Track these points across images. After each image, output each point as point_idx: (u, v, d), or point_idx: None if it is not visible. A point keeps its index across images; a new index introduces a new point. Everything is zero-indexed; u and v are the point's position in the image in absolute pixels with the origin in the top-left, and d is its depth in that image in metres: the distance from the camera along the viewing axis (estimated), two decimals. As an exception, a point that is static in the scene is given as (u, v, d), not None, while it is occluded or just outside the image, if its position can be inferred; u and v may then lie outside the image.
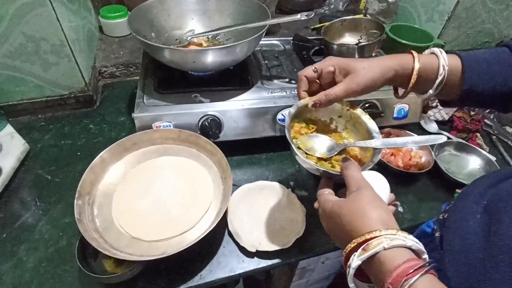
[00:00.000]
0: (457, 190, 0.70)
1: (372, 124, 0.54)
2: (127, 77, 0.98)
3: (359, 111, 0.56)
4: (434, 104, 0.92)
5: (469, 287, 0.35)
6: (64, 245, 0.58)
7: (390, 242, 0.33)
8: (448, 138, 0.86)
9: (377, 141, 0.51)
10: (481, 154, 0.79)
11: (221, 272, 0.56)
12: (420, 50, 0.99)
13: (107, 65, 0.94)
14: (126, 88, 0.94)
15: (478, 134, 0.88)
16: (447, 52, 0.49)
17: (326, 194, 0.45)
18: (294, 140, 0.52)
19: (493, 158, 0.78)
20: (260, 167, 0.75)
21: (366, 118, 0.55)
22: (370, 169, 0.47)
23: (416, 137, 0.49)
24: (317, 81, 0.53)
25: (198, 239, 0.51)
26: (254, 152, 0.78)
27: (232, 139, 0.72)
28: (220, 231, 0.61)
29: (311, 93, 0.53)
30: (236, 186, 0.67)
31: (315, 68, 0.51)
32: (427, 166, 0.74)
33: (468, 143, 0.82)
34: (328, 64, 0.50)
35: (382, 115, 0.75)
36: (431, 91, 0.49)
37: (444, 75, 0.48)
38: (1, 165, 0.65)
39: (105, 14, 1.01)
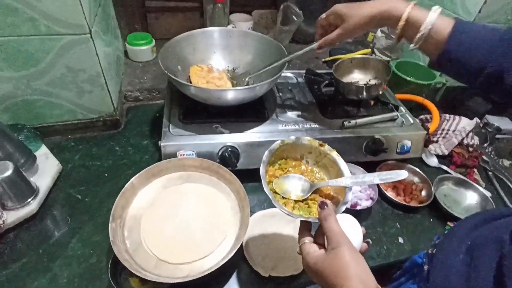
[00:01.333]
0: (448, 223, 0.76)
1: (341, 161, 0.56)
2: (150, 101, 1.05)
3: (327, 147, 0.58)
4: (435, 139, 0.99)
5: None
6: (94, 262, 0.64)
7: None
8: (448, 172, 0.92)
9: (347, 180, 0.53)
10: (477, 190, 0.85)
11: (236, 293, 0.62)
12: (423, 87, 1.07)
13: (132, 90, 1.01)
14: (149, 112, 1.01)
15: (475, 170, 0.94)
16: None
17: (308, 245, 0.46)
18: (269, 184, 0.55)
19: (489, 194, 0.84)
20: (272, 194, 0.81)
21: (334, 155, 0.57)
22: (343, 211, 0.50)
23: (382, 173, 0.53)
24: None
25: (218, 266, 0.56)
26: (268, 179, 0.84)
27: (248, 168, 0.78)
28: (236, 255, 0.66)
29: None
30: (251, 212, 0.73)
31: (321, 17, 0.68)
32: (426, 200, 0.80)
33: (465, 179, 0.88)
34: (329, 13, 0.66)
35: (386, 150, 0.82)
36: (411, 45, 0.55)
37: (424, 33, 0.53)
38: (39, 184, 0.71)
39: (131, 41, 1.09)
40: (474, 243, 0.46)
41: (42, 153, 0.79)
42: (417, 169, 0.86)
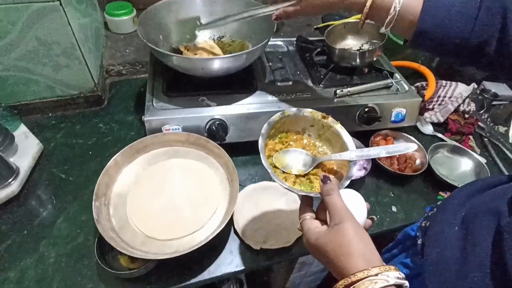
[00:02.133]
0: (440, 193, 0.75)
1: (345, 134, 0.54)
2: (134, 75, 1.00)
3: (331, 120, 0.55)
4: (430, 107, 0.96)
5: None
6: (81, 241, 0.63)
7: (374, 285, 0.35)
8: (443, 140, 0.90)
9: (352, 154, 0.50)
10: (472, 157, 0.84)
11: (227, 267, 0.61)
12: (419, 53, 1.02)
13: (114, 64, 0.96)
14: (133, 87, 0.96)
15: (471, 137, 0.92)
16: None
17: (309, 220, 0.44)
18: (269, 159, 0.53)
19: (484, 161, 0.83)
20: (264, 167, 0.78)
21: (338, 127, 0.54)
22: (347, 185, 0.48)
23: (389, 147, 0.50)
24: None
25: (208, 240, 0.55)
26: (258, 152, 0.81)
27: (237, 141, 0.76)
28: (227, 229, 0.65)
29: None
30: (241, 186, 0.72)
31: None
32: (421, 168, 0.78)
33: (460, 146, 0.86)
34: None
35: (380, 119, 0.79)
36: (382, 28, 0.52)
37: (394, 15, 0.49)
38: (19, 165, 0.68)
39: (110, 11, 1.02)
40: (469, 214, 0.44)
41: (21, 132, 0.75)
42: (412, 138, 0.84)
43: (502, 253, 0.35)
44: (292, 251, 0.64)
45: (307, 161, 0.53)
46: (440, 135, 0.92)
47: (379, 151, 0.50)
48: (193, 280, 0.59)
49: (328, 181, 0.43)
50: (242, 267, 0.62)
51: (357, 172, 0.75)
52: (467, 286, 0.37)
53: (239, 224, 0.65)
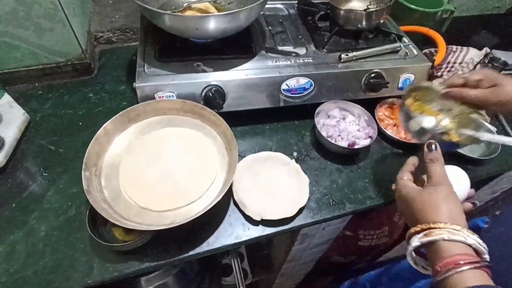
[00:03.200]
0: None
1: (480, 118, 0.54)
2: (125, 42, 0.94)
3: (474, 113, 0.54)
4: (439, 74, 0.91)
5: None
6: (73, 214, 0.60)
7: (451, 236, 0.35)
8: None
9: (484, 134, 0.52)
10: (482, 125, 0.80)
11: (227, 239, 0.59)
12: (429, 16, 0.96)
13: (103, 30, 0.90)
14: (124, 55, 0.91)
15: (481, 105, 0.88)
16: None
17: (405, 180, 0.47)
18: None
19: (494, 129, 0.79)
20: (264, 137, 0.75)
21: (477, 115, 0.54)
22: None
23: None
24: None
25: (205, 210, 0.52)
26: (258, 122, 0.77)
27: (236, 110, 0.71)
28: (226, 200, 0.63)
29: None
30: (240, 156, 0.68)
31: (462, 78, 0.53)
32: (429, 137, 0.74)
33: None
34: (477, 73, 0.52)
35: (387, 85, 0.74)
36: None
37: None
38: (3, 135, 0.64)
39: (97, -27, 0.94)
40: None
41: (5, 102, 0.70)
42: None
43: None
44: (293, 222, 0.61)
45: (436, 125, 0.55)
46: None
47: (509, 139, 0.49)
48: (191, 252, 0.57)
49: (433, 149, 0.45)
50: (242, 239, 0.59)
51: (362, 141, 0.71)
52: None
53: (238, 195, 0.62)
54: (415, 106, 0.58)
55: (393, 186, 0.50)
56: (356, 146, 0.69)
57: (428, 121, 0.56)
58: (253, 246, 1.12)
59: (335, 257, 1.11)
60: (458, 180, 0.47)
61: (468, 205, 0.46)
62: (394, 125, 0.78)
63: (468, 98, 0.52)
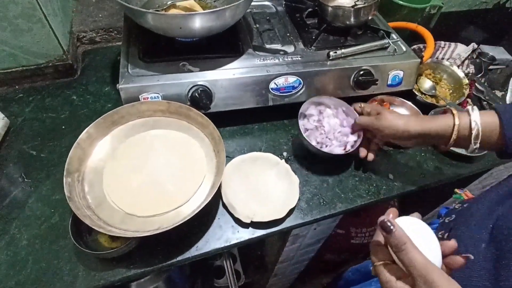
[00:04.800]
0: (456, 191, 0.68)
1: None
2: (109, 42, 0.91)
3: None
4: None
5: None
6: (57, 221, 0.58)
7: None
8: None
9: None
10: (471, 121, 0.80)
11: (217, 242, 0.58)
12: (417, 12, 0.96)
13: (85, 30, 0.87)
14: (109, 55, 0.88)
15: (469, 100, 0.88)
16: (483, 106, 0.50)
17: (386, 268, 0.36)
18: None
19: (483, 125, 0.79)
20: (253, 137, 0.74)
21: None
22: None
23: None
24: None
25: (193, 214, 0.51)
26: (247, 122, 0.76)
27: (223, 110, 0.70)
28: (214, 203, 0.61)
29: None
30: (229, 157, 0.67)
31: (360, 105, 0.68)
32: (418, 134, 0.74)
33: (460, 108, 0.82)
34: (368, 106, 0.67)
35: (377, 82, 0.74)
36: (473, 146, 0.50)
37: (478, 133, 0.48)
38: (-19, 141, 0.62)
39: (78, -30, 0.91)
40: (500, 227, 0.38)
41: (-17, 106, 0.68)
42: (409, 102, 0.79)
43: None
44: (284, 223, 0.60)
45: None
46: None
47: None
48: (179, 258, 0.55)
49: (392, 230, 0.34)
50: (232, 242, 0.58)
51: (351, 137, 0.69)
52: None
53: (227, 197, 0.61)
54: None
55: (372, 270, 0.39)
56: (348, 147, 0.67)
57: None
58: (246, 248, 1.10)
59: (328, 256, 1.11)
60: (426, 237, 0.36)
61: (459, 261, 0.35)
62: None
63: (361, 124, 0.64)
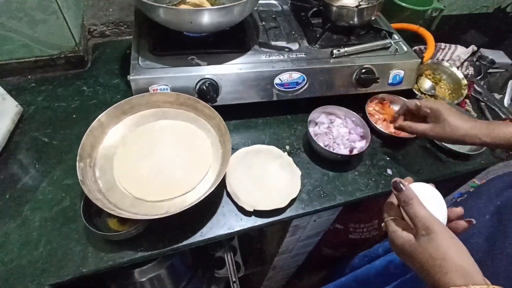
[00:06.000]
0: (474, 180, 0.72)
1: None
2: (118, 36, 0.94)
3: None
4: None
5: None
6: (67, 205, 0.60)
7: None
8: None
9: None
10: (469, 121, 0.82)
11: (220, 229, 0.60)
12: (419, 14, 0.99)
13: (96, 24, 0.90)
14: (118, 49, 0.91)
15: (467, 101, 0.90)
16: None
17: (394, 221, 0.41)
18: None
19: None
20: (257, 131, 0.76)
21: None
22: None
23: None
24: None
25: (199, 200, 0.53)
26: (251, 116, 0.78)
27: (229, 103, 0.72)
28: (219, 192, 0.64)
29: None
30: (233, 149, 0.69)
31: (417, 104, 0.62)
32: (417, 132, 0.77)
33: (457, 107, 0.84)
34: (428, 106, 0.60)
35: (378, 81, 0.76)
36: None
37: None
38: (-4, 127, 0.64)
39: (90, -34, 0.94)
40: (506, 204, 0.41)
41: (-2, 93, 0.70)
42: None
43: None
44: (285, 213, 0.63)
45: None
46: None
47: None
48: (185, 242, 0.58)
49: (402, 188, 0.39)
50: (235, 229, 0.60)
51: (358, 144, 0.71)
52: (490, 276, 0.34)
53: (231, 187, 0.63)
54: None
55: (382, 226, 0.44)
56: (355, 151, 0.70)
57: None
58: (246, 240, 1.13)
59: (326, 250, 1.13)
60: (433, 199, 0.41)
61: (463, 224, 0.40)
62: (384, 119, 0.80)
63: (416, 132, 0.62)
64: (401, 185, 0.40)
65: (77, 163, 0.55)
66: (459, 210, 0.41)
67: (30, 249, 0.55)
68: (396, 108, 0.81)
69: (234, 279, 0.96)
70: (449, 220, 0.41)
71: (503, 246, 0.38)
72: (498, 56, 1.16)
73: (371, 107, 0.81)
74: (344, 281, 0.80)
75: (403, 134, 0.76)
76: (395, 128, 0.67)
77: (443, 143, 0.75)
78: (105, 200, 0.54)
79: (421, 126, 0.60)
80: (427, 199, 0.41)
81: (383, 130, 0.75)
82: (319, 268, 1.33)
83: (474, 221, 0.39)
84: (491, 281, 0.34)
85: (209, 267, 1.01)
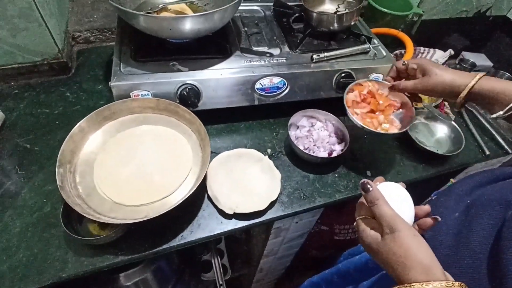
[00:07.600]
0: (451, 180, 0.74)
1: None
2: (103, 42, 0.95)
3: None
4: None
5: None
6: (48, 211, 0.61)
7: None
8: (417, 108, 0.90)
9: None
10: (447, 123, 0.85)
11: (201, 232, 0.61)
12: (399, 19, 1.01)
13: (80, 30, 0.91)
14: (102, 55, 0.91)
15: (446, 103, 0.93)
16: None
17: (364, 221, 0.43)
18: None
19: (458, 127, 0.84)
20: (239, 135, 0.78)
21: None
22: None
23: None
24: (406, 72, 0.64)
25: (178, 203, 0.54)
26: (233, 120, 0.80)
27: (211, 108, 0.73)
28: (200, 195, 0.65)
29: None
30: (215, 153, 0.70)
31: (404, 61, 0.64)
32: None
33: (437, 111, 0.86)
34: (414, 61, 0.62)
35: (357, 84, 0.78)
36: (500, 112, 0.52)
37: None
38: (-23, 134, 0.65)
39: (74, -27, 0.95)
40: (474, 203, 0.43)
41: (-21, 101, 0.71)
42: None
43: (499, 240, 0.35)
44: (265, 215, 0.64)
45: None
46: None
47: None
48: (165, 246, 0.58)
49: (369, 189, 0.41)
50: (216, 232, 0.61)
51: (337, 147, 0.73)
52: (455, 272, 0.36)
53: (212, 190, 0.64)
54: None
55: (354, 225, 0.46)
56: (334, 154, 0.71)
57: None
58: (233, 243, 1.14)
59: (313, 252, 1.14)
60: (401, 199, 0.43)
61: (429, 221, 0.41)
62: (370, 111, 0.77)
63: (407, 89, 0.63)
64: (368, 186, 0.42)
65: (56, 168, 0.55)
66: (426, 207, 0.43)
67: (10, 254, 0.55)
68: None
69: (221, 282, 0.97)
70: (418, 218, 0.43)
71: (468, 241, 0.40)
72: (479, 59, 1.19)
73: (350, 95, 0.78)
74: (326, 274, 0.82)
75: (378, 130, 0.75)
76: (389, 89, 0.68)
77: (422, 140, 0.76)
78: (85, 205, 0.55)
79: (410, 82, 0.62)
80: (394, 198, 0.42)
81: (368, 127, 0.74)
82: (307, 269, 1.34)
83: (440, 218, 0.41)
84: (456, 276, 0.36)
85: (196, 270, 1.02)
